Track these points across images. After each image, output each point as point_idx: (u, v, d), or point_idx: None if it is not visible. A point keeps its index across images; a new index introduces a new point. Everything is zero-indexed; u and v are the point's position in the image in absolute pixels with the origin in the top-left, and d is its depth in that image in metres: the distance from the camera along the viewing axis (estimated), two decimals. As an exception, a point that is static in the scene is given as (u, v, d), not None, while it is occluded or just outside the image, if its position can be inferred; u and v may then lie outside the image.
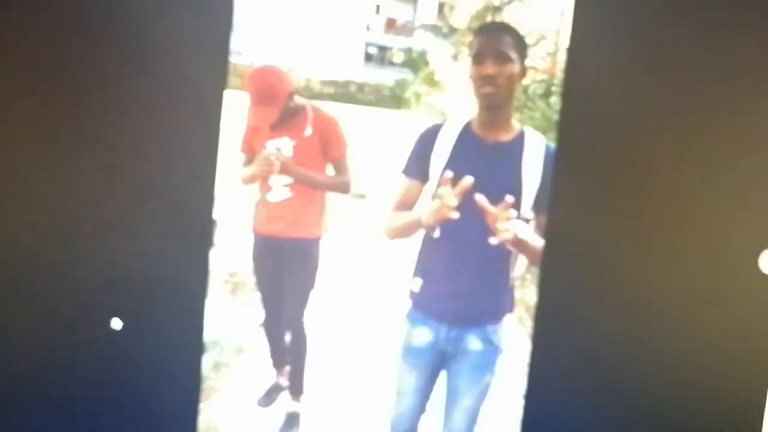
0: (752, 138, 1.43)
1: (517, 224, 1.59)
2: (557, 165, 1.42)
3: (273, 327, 2.46)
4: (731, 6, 1.42)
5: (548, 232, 1.45)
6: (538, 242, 1.64)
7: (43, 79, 1.38)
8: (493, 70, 1.65)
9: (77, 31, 1.35)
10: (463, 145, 1.71)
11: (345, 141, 2.25)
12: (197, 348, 1.39)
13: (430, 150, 1.73)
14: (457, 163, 1.68)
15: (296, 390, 2.40)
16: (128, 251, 1.37)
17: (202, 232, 1.38)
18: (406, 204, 1.77)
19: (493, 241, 1.55)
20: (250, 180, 2.26)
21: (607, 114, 1.43)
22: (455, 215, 1.54)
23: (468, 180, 1.53)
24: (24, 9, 1.34)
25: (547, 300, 1.49)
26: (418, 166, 1.75)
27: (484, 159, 1.69)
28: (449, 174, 1.55)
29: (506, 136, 1.72)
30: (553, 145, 1.72)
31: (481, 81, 1.65)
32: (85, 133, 1.34)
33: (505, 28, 1.74)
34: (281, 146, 2.17)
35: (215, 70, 1.35)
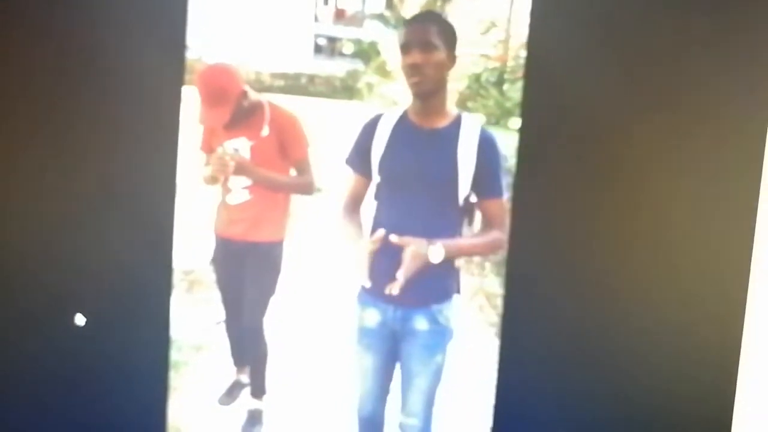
0: (721, 120, 1.46)
1: (432, 253, 1.71)
2: (520, 150, 1.44)
3: (233, 326, 2.46)
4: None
5: (513, 219, 1.47)
6: (470, 243, 1.75)
7: (3, 80, 1.34)
8: (420, 59, 1.77)
9: (33, 32, 1.32)
10: (400, 133, 1.83)
11: (306, 140, 2.28)
12: (164, 344, 1.38)
13: (371, 140, 1.81)
14: (395, 151, 1.80)
15: (258, 390, 2.42)
16: (91, 248, 1.35)
17: (164, 228, 1.36)
18: (355, 199, 1.89)
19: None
20: (210, 180, 2.24)
21: (570, 97, 1.45)
22: (367, 285, 1.69)
23: (380, 232, 1.68)
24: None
25: (513, 289, 1.51)
26: (360, 158, 1.85)
27: (420, 146, 1.81)
28: (381, 233, 1.68)
29: (442, 122, 1.83)
30: (489, 129, 1.82)
31: (409, 70, 1.76)
32: (46, 131, 1.31)
33: (431, 17, 1.85)
34: (238, 147, 2.22)
35: (171, 66, 1.33)
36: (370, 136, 1.97)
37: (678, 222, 1.48)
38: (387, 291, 1.77)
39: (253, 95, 2.30)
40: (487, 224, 1.89)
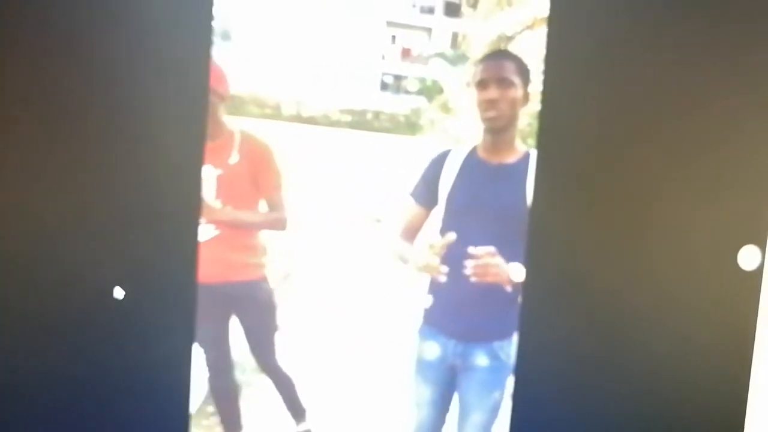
0: (728, 140, 1.48)
1: (514, 271, 1.71)
2: (537, 175, 1.46)
3: (221, 389, 2.23)
4: (705, 16, 1.47)
5: (528, 242, 1.49)
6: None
7: (50, 90, 1.44)
8: (496, 95, 1.79)
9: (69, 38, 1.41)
10: (468, 168, 1.85)
11: (279, 172, 2.17)
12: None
13: (439, 175, 1.84)
14: (463, 186, 1.82)
15: (298, 414, 2.37)
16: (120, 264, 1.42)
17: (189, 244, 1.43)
18: (412, 229, 1.90)
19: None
20: None
21: (585, 121, 1.48)
22: (443, 278, 1.66)
23: (451, 236, 1.67)
24: (18, 14, 1.39)
25: (529, 309, 1.54)
26: (426, 191, 1.87)
27: (489, 181, 1.83)
28: (452, 236, 1.67)
29: (511, 158, 1.85)
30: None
31: (485, 105, 1.79)
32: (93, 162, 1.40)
33: (508, 55, 1.88)
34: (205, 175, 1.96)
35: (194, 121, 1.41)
36: (438, 170, 2.03)
37: (693, 250, 1.50)
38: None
39: (226, 120, 2.09)
40: None
